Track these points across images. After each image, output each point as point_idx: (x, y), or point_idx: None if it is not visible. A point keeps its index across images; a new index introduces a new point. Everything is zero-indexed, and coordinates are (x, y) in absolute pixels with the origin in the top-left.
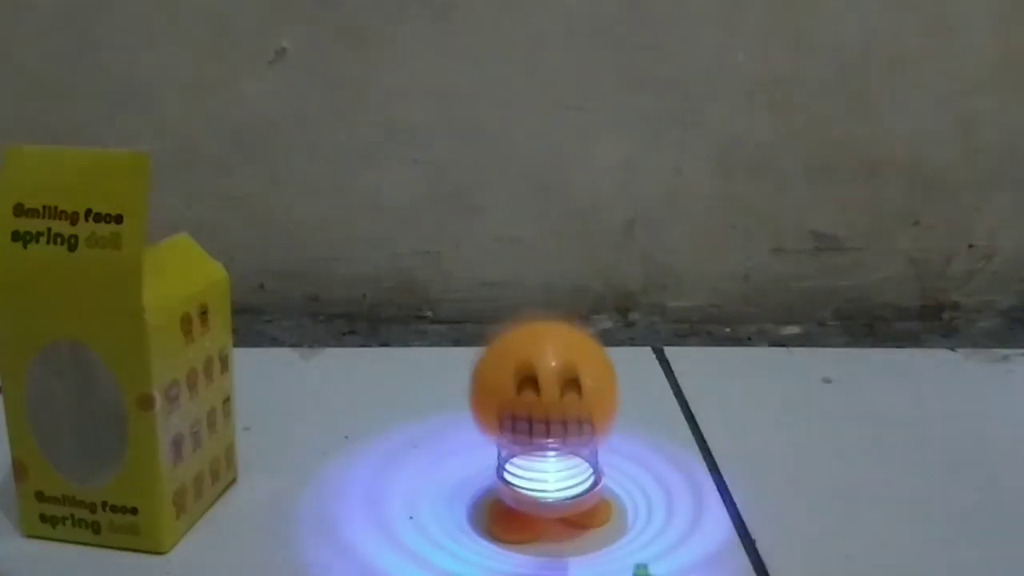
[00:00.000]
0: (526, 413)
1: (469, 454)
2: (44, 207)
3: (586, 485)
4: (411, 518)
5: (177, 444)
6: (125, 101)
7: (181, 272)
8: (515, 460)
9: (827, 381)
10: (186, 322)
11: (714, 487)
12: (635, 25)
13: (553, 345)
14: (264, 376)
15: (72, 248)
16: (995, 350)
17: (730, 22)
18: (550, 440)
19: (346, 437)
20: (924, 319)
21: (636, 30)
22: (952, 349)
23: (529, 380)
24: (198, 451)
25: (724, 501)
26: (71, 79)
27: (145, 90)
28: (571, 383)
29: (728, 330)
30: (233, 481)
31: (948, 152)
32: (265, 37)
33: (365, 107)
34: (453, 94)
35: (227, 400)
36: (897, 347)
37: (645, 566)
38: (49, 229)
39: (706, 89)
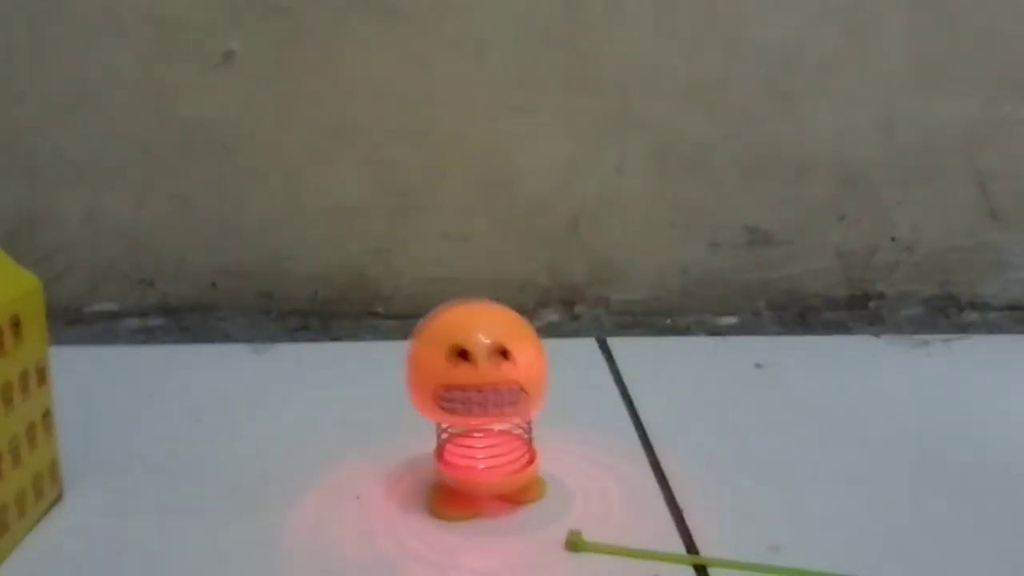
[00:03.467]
0: (461, 384)
1: (413, 439)
2: None
3: (520, 463)
4: (358, 498)
5: None
6: (75, 103)
7: None
8: (453, 441)
9: (758, 366)
10: None
11: (647, 463)
12: (576, 30)
13: (481, 320)
14: (216, 371)
15: None
16: (916, 336)
17: (665, 27)
18: (486, 409)
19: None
20: (851, 308)
21: (577, 35)
22: (876, 336)
23: (461, 353)
24: (18, 468)
25: (655, 476)
26: (22, 82)
27: (95, 92)
28: (501, 353)
29: (668, 321)
30: (59, 498)
31: (871, 150)
32: (213, 40)
33: (314, 109)
34: (400, 96)
35: (47, 414)
36: (827, 335)
37: (579, 533)
38: None
39: (644, 91)
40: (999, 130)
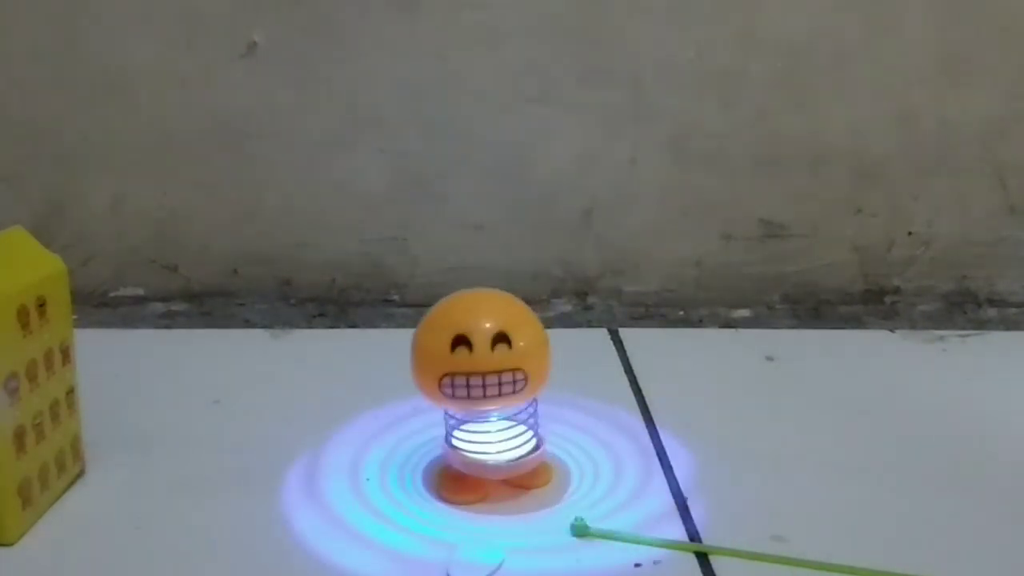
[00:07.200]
0: (462, 371)
1: (423, 424)
2: None
3: (527, 448)
4: (368, 480)
5: (19, 436)
6: (103, 93)
7: (16, 265)
8: (462, 427)
9: (769, 359)
10: (23, 314)
11: (654, 452)
12: (591, 22)
13: (482, 307)
14: (235, 355)
15: None
16: (931, 331)
17: (680, 19)
18: (487, 395)
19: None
20: (867, 303)
21: (592, 27)
22: (891, 331)
23: (462, 340)
24: (42, 443)
25: (662, 465)
26: (51, 71)
27: (122, 82)
28: (501, 339)
29: (681, 313)
30: (81, 473)
31: (888, 143)
32: (237, 31)
33: (333, 99)
34: (418, 86)
35: (70, 392)
36: (841, 330)
37: (583, 519)
38: None
39: (658, 83)
40: (1019, 124)
